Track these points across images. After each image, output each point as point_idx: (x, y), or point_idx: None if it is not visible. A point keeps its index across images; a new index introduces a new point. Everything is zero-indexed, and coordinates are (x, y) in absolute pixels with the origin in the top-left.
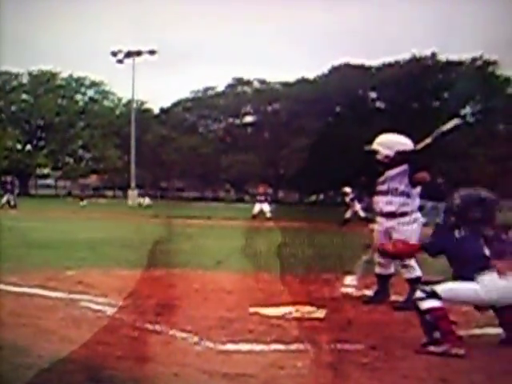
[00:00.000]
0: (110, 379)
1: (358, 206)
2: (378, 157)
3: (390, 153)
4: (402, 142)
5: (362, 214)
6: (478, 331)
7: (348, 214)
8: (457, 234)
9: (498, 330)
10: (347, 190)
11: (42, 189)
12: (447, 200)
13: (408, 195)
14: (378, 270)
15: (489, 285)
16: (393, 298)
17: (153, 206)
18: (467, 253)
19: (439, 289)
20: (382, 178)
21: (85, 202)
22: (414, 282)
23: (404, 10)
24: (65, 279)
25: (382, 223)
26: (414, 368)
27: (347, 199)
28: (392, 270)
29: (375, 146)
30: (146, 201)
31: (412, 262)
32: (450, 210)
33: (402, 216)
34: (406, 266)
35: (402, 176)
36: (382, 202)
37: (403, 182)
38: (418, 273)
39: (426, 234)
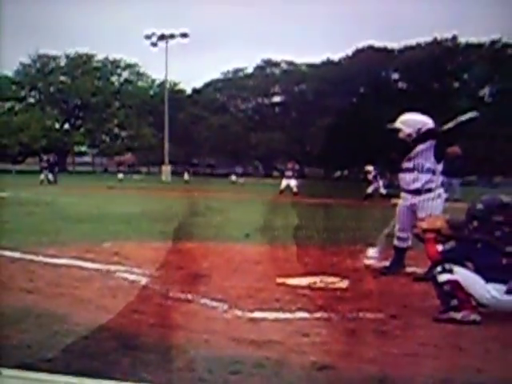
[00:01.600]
0: (143, 346)
1: (380, 183)
2: (400, 135)
3: (412, 131)
4: (423, 121)
5: (383, 191)
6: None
7: (370, 190)
8: (479, 244)
9: None
10: (369, 168)
11: (80, 166)
12: (469, 205)
13: (433, 172)
14: (396, 242)
15: (495, 295)
16: (412, 269)
17: (189, 182)
18: (487, 262)
19: (456, 269)
20: (407, 156)
21: (121, 176)
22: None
23: None
24: (101, 251)
25: (407, 199)
26: (431, 336)
27: (370, 177)
28: (409, 243)
29: (397, 124)
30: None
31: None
32: (473, 214)
33: (427, 192)
34: None
35: (427, 153)
36: (408, 179)
37: (429, 159)
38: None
39: (447, 207)
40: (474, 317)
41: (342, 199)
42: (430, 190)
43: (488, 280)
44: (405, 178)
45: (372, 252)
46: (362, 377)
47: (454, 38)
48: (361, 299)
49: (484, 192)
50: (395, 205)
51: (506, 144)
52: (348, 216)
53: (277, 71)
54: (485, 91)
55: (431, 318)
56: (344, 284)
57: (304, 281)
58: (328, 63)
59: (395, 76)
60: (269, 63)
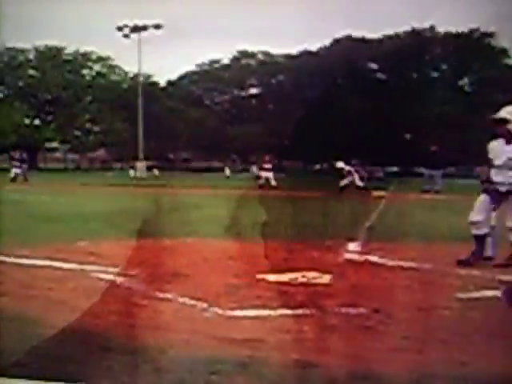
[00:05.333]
0: (121, 347)
1: (355, 176)
2: (509, 126)
3: None
4: None
5: (359, 183)
6: (475, 294)
7: (343, 183)
8: None
9: (495, 292)
10: (340, 165)
11: (52, 162)
12: None
13: None
14: (474, 230)
15: None
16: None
17: (161, 177)
18: None
19: None
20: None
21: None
22: None
23: None
24: (75, 250)
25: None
26: (414, 330)
27: (343, 171)
28: (487, 230)
29: (506, 114)
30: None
31: None
32: None
33: None
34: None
35: None
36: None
37: None
38: None
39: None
40: None
41: (321, 192)
42: None
43: None
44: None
45: (353, 246)
46: (346, 373)
47: (432, 27)
48: (343, 294)
49: (465, 184)
50: (377, 198)
51: (485, 133)
52: (328, 210)
53: (253, 62)
54: (464, 81)
55: (414, 311)
56: (326, 279)
57: (285, 277)
58: (305, 54)
59: (374, 66)
60: (244, 54)
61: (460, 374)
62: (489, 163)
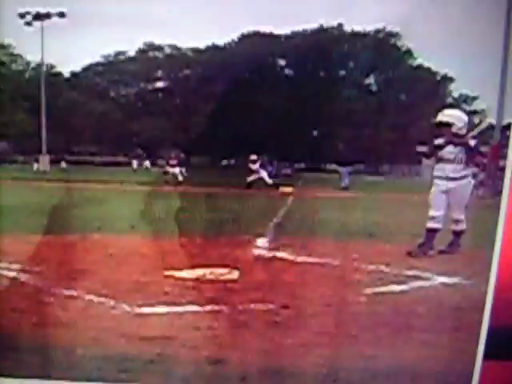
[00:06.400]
0: (26, 346)
1: (263, 173)
2: (453, 129)
3: (463, 126)
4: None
5: (268, 181)
6: (383, 289)
7: (250, 179)
8: None
9: (402, 287)
10: (254, 157)
11: None
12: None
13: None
14: (430, 224)
15: None
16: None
17: (66, 171)
18: None
19: None
20: (451, 149)
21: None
22: (458, 234)
23: None
24: None
25: (444, 185)
26: (324, 325)
27: (254, 166)
28: (441, 225)
29: (448, 119)
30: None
31: (462, 217)
32: None
33: (462, 179)
34: (457, 221)
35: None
36: (447, 170)
37: (462, 151)
38: (463, 226)
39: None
40: None
41: (229, 188)
42: (464, 177)
43: None
44: (445, 168)
45: (262, 242)
46: (256, 369)
47: (340, 26)
48: (252, 290)
49: (371, 181)
50: (285, 194)
51: (390, 133)
52: (236, 206)
53: (160, 55)
54: (370, 80)
55: (322, 307)
56: (234, 275)
57: (193, 273)
58: (213, 48)
59: (281, 62)
60: (151, 47)
61: (369, 366)
62: (436, 158)
